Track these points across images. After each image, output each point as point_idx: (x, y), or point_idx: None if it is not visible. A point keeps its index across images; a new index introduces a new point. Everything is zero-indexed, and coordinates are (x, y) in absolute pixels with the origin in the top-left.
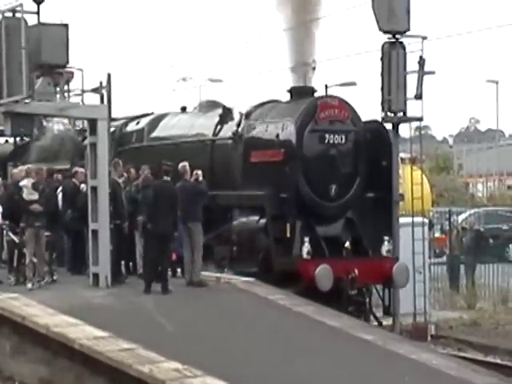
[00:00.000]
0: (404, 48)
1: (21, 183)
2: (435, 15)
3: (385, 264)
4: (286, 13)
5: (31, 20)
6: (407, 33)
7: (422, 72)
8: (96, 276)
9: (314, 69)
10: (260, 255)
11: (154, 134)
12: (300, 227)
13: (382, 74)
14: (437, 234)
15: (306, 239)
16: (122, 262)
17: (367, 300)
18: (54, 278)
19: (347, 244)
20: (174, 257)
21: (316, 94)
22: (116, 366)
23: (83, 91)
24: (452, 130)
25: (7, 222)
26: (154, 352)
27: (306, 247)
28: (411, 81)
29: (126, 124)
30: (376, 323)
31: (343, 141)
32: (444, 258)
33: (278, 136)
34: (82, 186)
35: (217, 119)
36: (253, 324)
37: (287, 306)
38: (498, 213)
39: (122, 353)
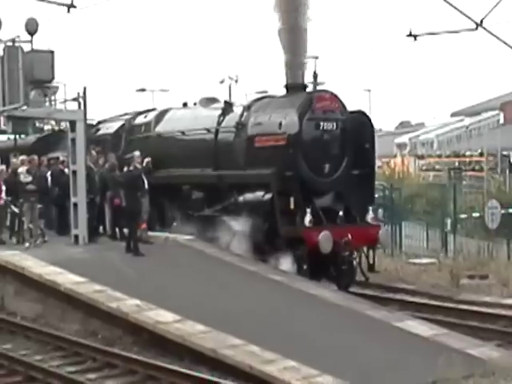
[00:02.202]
0: None
1: (18, 170)
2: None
3: (371, 229)
4: (279, 14)
5: (26, 47)
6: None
7: (314, 83)
8: (76, 237)
9: (236, 81)
10: (266, 225)
11: (161, 125)
12: (302, 200)
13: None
14: None
15: (308, 210)
16: (101, 227)
17: (357, 260)
18: (45, 239)
19: (341, 213)
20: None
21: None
22: (91, 303)
23: (65, 100)
24: None
25: (10, 198)
26: (119, 292)
27: (309, 217)
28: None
29: (134, 118)
30: (364, 278)
31: (334, 127)
32: None
33: (280, 124)
34: (66, 170)
35: (219, 111)
36: (191, 270)
37: (218, 256)
38: None
39: (95, 293)
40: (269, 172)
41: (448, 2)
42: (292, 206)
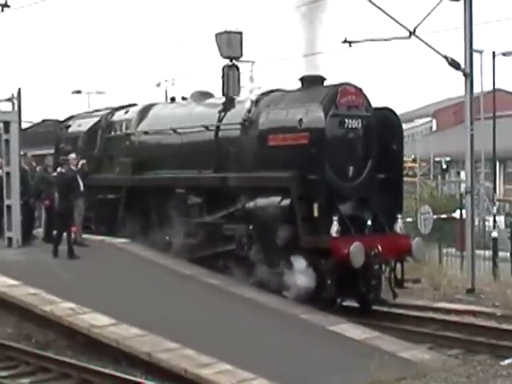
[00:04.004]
0: (238, 69)
1: None
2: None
3: (402, 240)
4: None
5: None
6: (240, 58)
7: (251, 87)
8: (10, 239)
9: (172, 84)
10: (282, 234)
11: (145, 122)
12: (327, 207)
13: (223, 89)
14: None
15: (335, 218)
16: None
17: (389, 273)
18: None
19: (369, 222)
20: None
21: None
22: (25, 306)
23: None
24: None
25: None
26: (53, 295)
27: (336, 226)
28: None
29: (111, 114)
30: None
31: (359, 125)
32: None
33: (301, 120)
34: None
35: (220, 107)
36: (127, 273)
37: (154, 259)
38: None
39: (29, 296)
40: (288, 175)
41: (382, 10)
42: (316, 214)
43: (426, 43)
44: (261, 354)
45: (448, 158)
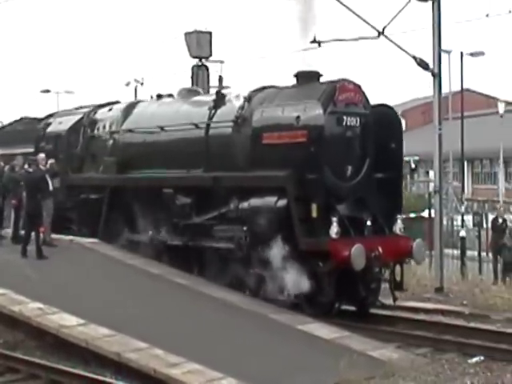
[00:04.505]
0: (207, 69)
1: None
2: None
3: (402, 241)
4: None
5: None
6: (210, 58)
7: (220, 86)
8: None
9: (142, 84)
10: (277, 235)
11: (131, 120)
12: (325, 207)
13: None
14: None
15: (335, 219)
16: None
17: (389, 276)
18: None
19: (368, 223)
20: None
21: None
22: None
23: None
24: None
25: None
26: (22, 296)
27: (335, 227)
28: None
29: (94, 111)
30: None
31: (357, 123)
32: None
33: (298, 118)
34: None
35: (210, 104)
36: (95, 273)
37: (121, 259)
38: None
39: None
40: (284, 174)
41: (351, 10)
42: (314, 214)
43: (394, 43)
44: (229, 353)
45: (417, 158)
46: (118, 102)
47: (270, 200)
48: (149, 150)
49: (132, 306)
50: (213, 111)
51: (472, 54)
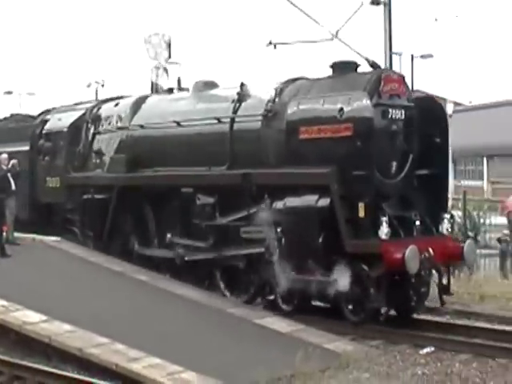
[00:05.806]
0: (167, 71)
1: None
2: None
3: (452, 243)
4: None
5: None
6: (169, 60)
7: (179, 88)
8: None
9: (102, 85)
10: (319, 237)
11: (141, 115)
12: (374, 207)
13: (151, 90)
14: None
15: (384, 219)
16: None
17: (438, 279)
18: None
19: (417, 222)
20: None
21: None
22: None
23: None
24: None
25: None
26: None
27: (386, 227)
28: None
29: (97, 107)
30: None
31: (402, 116)
32: None
33: (341, 110)
34: None
35: (234, 97)
36: (58, 271)
37: (84, 257)
38: None
39: None
40: (327, 171)
41: (304, 13)
42: (362, 214)
43: (347, 45)
44: (189, 347)
45: None
46: (122, 97)
47: (310, 199)
48: (163, 147)
49: (94, 302)
50: (237, 105)
51: (422, 57)
